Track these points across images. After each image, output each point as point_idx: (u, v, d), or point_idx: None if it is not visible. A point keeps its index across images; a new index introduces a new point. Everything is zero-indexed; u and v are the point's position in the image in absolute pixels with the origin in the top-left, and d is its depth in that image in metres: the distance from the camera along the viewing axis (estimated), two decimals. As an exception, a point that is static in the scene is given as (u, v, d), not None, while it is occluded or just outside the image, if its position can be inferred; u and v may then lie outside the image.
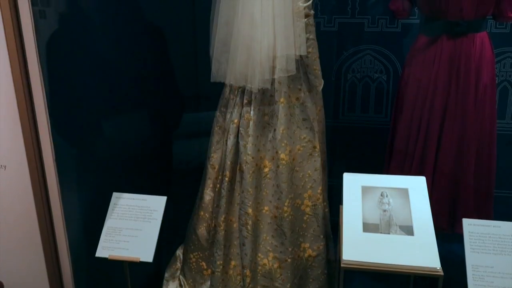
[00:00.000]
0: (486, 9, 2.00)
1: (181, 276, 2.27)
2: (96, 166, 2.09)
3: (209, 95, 2.22)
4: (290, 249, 2.02)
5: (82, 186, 2.03)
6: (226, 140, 2.03)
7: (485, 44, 2.03)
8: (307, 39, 1.89)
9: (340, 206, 1.84)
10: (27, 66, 1.72)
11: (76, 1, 2.11)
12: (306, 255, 2.07)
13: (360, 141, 2.72)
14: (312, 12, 1.90)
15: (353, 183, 1.84)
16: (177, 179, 2.75)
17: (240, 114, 1.99)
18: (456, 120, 2.06)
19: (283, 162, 1.96)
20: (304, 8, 1.85)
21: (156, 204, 1.92)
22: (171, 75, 2.57)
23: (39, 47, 1.75)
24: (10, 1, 1.66)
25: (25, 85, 1.71)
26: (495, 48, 2.16)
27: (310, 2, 1.87)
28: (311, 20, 1.90)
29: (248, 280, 2.03)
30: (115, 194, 1.96)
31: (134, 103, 2.34)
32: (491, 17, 2.10)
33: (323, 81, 2.01)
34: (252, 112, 1.96)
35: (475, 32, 2.01)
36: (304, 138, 2.00)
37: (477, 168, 2.12)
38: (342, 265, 1.64)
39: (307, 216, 2.05)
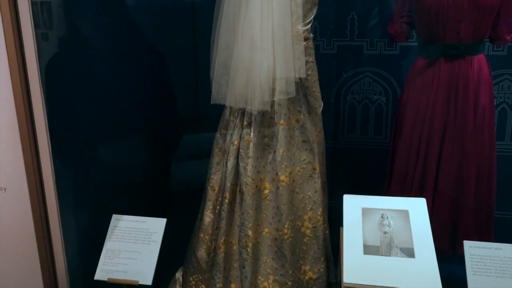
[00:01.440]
0: (483, 32, 2.02)
1: (180, 299, 2.25)
2: (95, 189, 2.09)
3: (209, 116, 2.24)
4: (290, 271, 2.01)
5: (81, 209, 2.03)
6: (226, 162, 2.03)
7: (483, 67, 2.06)
8: (307, 61, 1.91)
9: (341, 228, 1.84)
10: (29, 88, 1.74)
11: (77, 24, 2.14)
12: (306, 277, 2.05)
13: (360, 162, 2.73)
14: (311, 35, 1.92)
15: (353, 205, 1.84)
16: (177, 200, 2.75)
17: (240, 136, 1.99)
18: (455, 142, 2.07)
19: (283, 183, 1.96)
20: (304, 32, 1.88)
21: (156, 226, 1.92)
22: (171, 98, 2.59)
23: (41, 69, 1.77)
24: (13, 23, 1.68)
25: (27, 107, 1.72)
26: (493, 70, 2.18)
27: (309, 25, 1.90)
28: (310, 43, 1.92)
29: (248, 303, 2.01)
30: (114, 216, 1.95)
31: (133, 126, 2.35)
32: (488, 40, 2.13)
33: (322, 103, 2.03)
34: (252, 134, 1.97)
35: (472, 55, 2.03)
36: (304, 159, 2.01)
37: (477, 189, 2.12)
38: (343, 288, 1.63)
39: (307, 238, 2.04)
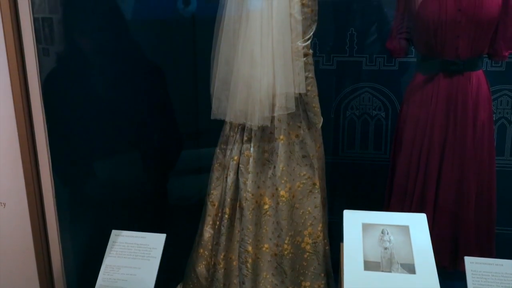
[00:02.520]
0: (481, 48, 2.04)
1: (179, 316, 2.23)
2: (94, 204, 2.09)
3: (209, 131, 2.24)
4: (290, 287, 1.99)
5: (80, 224, 2.02)
6: (226, 177, 2.03)
7: (482, 82, 2.07)
8: (306, 77, 1.93)
9: (341, 243, 1.83)
10: (30, 104, 1.74)
11: (78, 40, 2.15)
12: (306, 294, 2.04)
13: (360, 177, 2.72)
14: (310, 51, 1.94)
15: (353, 220, 1.83)
16: (177, 215, 2.74)
17: (240, 151, 2.00)
18: (455, 157, 2.07)
19: (283, 199, 1.96)
20: (303, 48, 1.89)
21: (155, 242, 1.91)
22: (170, 114, 2.59)
23: (42, 84, 1.77)
24: (15, 38, 1.69)
25: (28, 122, 1.73)
26: (492, 86, 2.20)
27: (309, 41, 1.91)
28: (310, 59, 1.94)
29: (248, 320, 1.99)
30: (114, 232, 1.94)
31: (132, 141, 2.35)
32: (487, 56, 2.14)
33: (322, 119, 2.03)
34: (252, 149, 1.97)
35: (471, 71, 2.04)
36: (304, 175, 2.01)
37: (477, 204, 2.12)
38: (343, 305, 1.61)
39: (307, 254, 2.03)
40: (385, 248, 1.74)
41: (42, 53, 1.81)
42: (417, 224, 1.79)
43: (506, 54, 2.11)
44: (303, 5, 1.85)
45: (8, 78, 1.71)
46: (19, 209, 1.77)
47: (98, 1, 2.26)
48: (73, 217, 2.00)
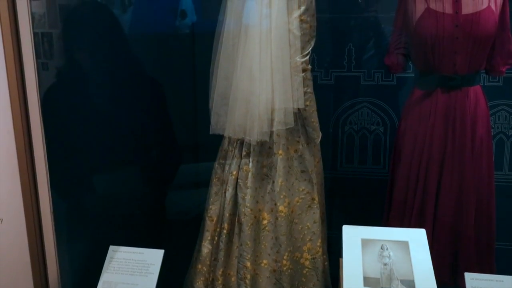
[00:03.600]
0: (478, 64, 2.05)
1: (177, 333, 2.20)
2: (92, 220, 2.08)
3: (208, 146, 2.24)
4: (289, 304, 1.98)
5: (77, 240, 2.01)
6: (225, 192, 2.03)
7: (479, 98, 2.08)
8: (305, 92, 1.93)
9: (340, 259, 1.82)
10: (29, 118, 1.74)
11: (77, 54, 2.16)
12: (306, 310, 2.02)
13: (359, 192, 2.72)
14: (309, 66, 1.95)
15: (352, 236, 1.82)
16: (175, 231, 2.72)
17: (239, 166, 1.99)
18: (453, 173, 2.07)
19: (282, 214, 1.95)
20: (302, 63, 1.90)
21: (153, 257, 1.89)
22: (169, 129, 2.59)
23: (41, 99, 1.77)
24: (15, 52, 1.70)
25: (26, 138, 1.72)
26: (490, 101, 2.20)
27: (308, 57, 1.92)
28: (309, 74, 1.95)
29: (246, 337, 1.97)
30: (111, 247, 1.93)
31: (130, 156, 2.35)
32: (484, 71, 2.16)
33: (321, 133, 2.04)
34: (250, 164, 1.97)
35: (469, 86, 2.05)
36: (303, 190, 2.00)
37: (477, 220, 2.11)
38: (343, 322, 1.60)
39: (306, 269, 2.02)
40: (385, 264, 1.73)
41: (41, 68, 1.82)
42: (416, 240, 1.78)
43: (504, 69, 2.12)
44: (301, 21, 1.87)
45: (7, 93, 1.71)
46: (16, 224, 1.76)
47: (97, 16, 2.27)
48: (71, 232, 1.99)
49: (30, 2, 1.72)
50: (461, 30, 1.98)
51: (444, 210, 2.09)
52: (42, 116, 1.76)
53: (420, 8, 2.04)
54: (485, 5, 1.99)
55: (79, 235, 2.01)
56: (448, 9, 1.99)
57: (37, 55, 1.76)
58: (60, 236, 1.84)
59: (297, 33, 1.86)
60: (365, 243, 1.79)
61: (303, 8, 1.86)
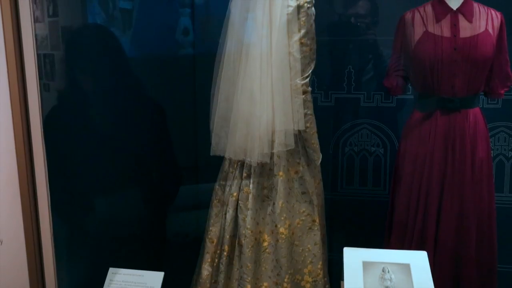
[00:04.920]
0: (477, 86, 2.07)
1: None
2: (92, 242, 2.07)
3: (208, 167, 2.25)
4: (290, 327, 1.95)
5: (77, 262, 1.99)
6: (225, 214, 2.02)
7: (479, 120, 2.09)
8: (305, 114, 1.95)
9: (341, 282, 1.80)
10: (31, 140, 1.75)
11: (78, 76, 2.18)
12: (306, 334, 1.99)
13: (359, 214, 2.71)
14: (309, 89, 1.96)
15: (353, 258, 1.81)
16: (174, 252, 2.70)
17: (239, 188, 1.99)
18: (454, 194, 2.07)
19: (283, 236, 1.95)
20: (302, 85, 1.92)
21: (153, 280, 1.87)
22: (170, 151, 2.60)
23: (43, 120, 1.78)
24: (18, 73, 1.71)
25: (28, 160, 1.73)
26: (489, 123, 2.21)
27: (308, 79, 1.94)
28: (309, 96, 1.96)
29: None
30: (111, 270, 1.91)
31: (131, 178, 2.35)
32: (483, 93, 2.17)
33: (321, 155, 2.04)
34: (251, 186, 1.97)
35: (468, 108, 2.06)
36: (303, 211, 2.00)
37: (478, 242, 2.10)
38: None
39: (307, 292, 2.00)
40: (386, 287, 1.71)
41: (42, 89, 1.83)
42: (418, 262, 1.77)
43: (502, 92, 2.14)
44: (302, 44, 1.89)
45: (10, 114, 1.71)
46: (16, 246, 1.74)
47: (97, 38, 2.30)
48: (70, 255, 1.98)
49: (34, 24, 1.75)
50: (459, 53, 2.00)
51: (445, 232, 2.08)
52: (44, 138, 1.76)
53: (418, 31, 2.07)
54: (482, 29, 2.02)
55: (79, 257, 2.00)
56: (446, 33, 2.02)
57: (39, 76, 1.77)
58: (60, 258, 1.83)
59: (297, 56, 1.89)
60: (367, 265, 1.78)
61: (303, 31, 1.89)
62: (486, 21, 2.04)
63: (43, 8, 2.12)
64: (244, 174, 1.98)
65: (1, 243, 1.76)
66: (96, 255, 2.07)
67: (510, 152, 2.57)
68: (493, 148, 2.54)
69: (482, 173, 2.08)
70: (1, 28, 1.67)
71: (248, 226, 1.95)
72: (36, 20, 1.78)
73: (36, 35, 1.75)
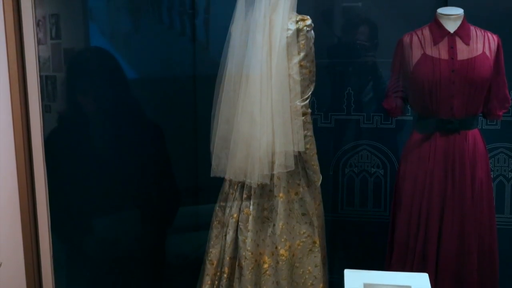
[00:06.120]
0: (475, 108, 2.08)
1: None
2: (92, 263, 2.06)
3: (208, 188, 2.25)
4: None
5: (76, 284, 1.98)
6: (225, 235, 2.01)
7: (478, 141, 2.09)
8: (305, 135, 1.95)
9: (342, 304, 1.79)
10: (32, 162, 1.75)
11: (79, 97, 2.19)
12: None
13: (360, 235, 2.70)
14: (309, 110, 1.98)
15: (354, 280, 1.79)
16: (174, 274, 2.68)
17: (240, 209, 1.99)
18: (454, 215, 2.06)
19: (283, 258, 1.94)
20: (302, 107, 1.93)
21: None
22: (169, 172, 2.60)
23: (44, 141, 1.79)
24: (21, 95, 1.72)
25: (29, 181, 1.73)
26: (488, 144, 2.22)
27: (307, 101, 1.96)
28: (309, 118, 1.97)
29: None
30: (110, 292, 1.90)
31: (131, 199, 2.34)
32: (482, 115, 2.18)
33: (321, 176, 2.05)
34: (251, 207, 1.96)
35: (467, 130, 2.07)
36: (304, 233, 1.99)
37: (480, 264, 2.09)
38: None
39: (308, 315, 1.98)
40: (388, 310, 1.70)
41: (43, 110, 1.84)
42: (419, 284, 1.76)
43: (500, 113, 2.15)
44: (301, 66, 1.91)
45: (12, 134, 1.72)
46: (15, 269, 1.73)
47: (99, 60, 2.32)
48: (70, 276, 1.96)
49: (38, 46, 1.77)
50: (457, 75, 2.02)
51: (446, 254, 2.07)
52: (45, 159, 1.77)
53: (416, 54, 2.09)
54: (479, 51, 2.05)
55: (78, 278, 1.99)
56: (444, 55, 2.05)
57: (41, 97, 1.79)
58: (59, 279, 1.82)
59: (297, 78, 1.90)
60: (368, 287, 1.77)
61: (302, 54, 1.91)
62: (483, 43, 2.07)
63: (45, 31, 2.15)
64: (244, 196, 1.98)
65: (1, 265, 1.75)
66: (95, 277, 2.06)
67: (510, 173, 2.57)
68: (493, 169, 2.54)
69: (482, 194, 2.08)
70: (5, 49, 1.70)
71: (248, 248, 1.94)
72: (39, 42, 1.80)
73: (39, 57, 1.78)
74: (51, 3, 2.18)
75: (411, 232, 2.12)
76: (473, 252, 2.07)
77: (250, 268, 1.94)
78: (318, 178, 2.03)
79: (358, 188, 2.70)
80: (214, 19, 2.72)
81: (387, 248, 2.27)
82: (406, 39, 2.14)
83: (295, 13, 1.95)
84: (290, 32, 1.89)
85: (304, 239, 1.99)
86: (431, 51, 2.06)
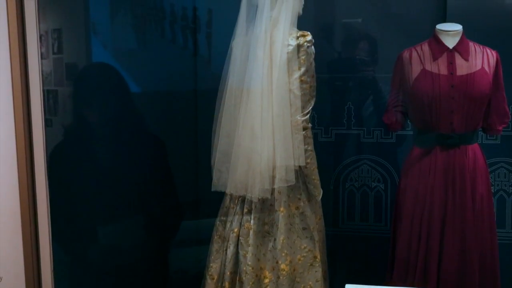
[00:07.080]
0: (475, 122, 2.09)
1: None
2: (93, 277, 2.05)
3: (209, 202, 2.25)
4: None
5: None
6: (226, 250, 2.01)
7: (478, 156, 2.10)
8: (306, 150, 1.96)
9: (343, 320, 1.78)
10: (34, 175, 1.76)
11: (80, 110, 2.20)
12: None
13: (361, 250, 2.69)
14: (309, 125, 1.98)
15: (355, 296, 1.79)
16: (175, 289, 2.67)
17: (240, 223, 1.99)
18: (455, 230, 2.06)
19: (284, 272, 1.93)
20: (302, 122, 1.94)
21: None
22: (171, 185, 2.61)
23: (46, 154, 1.80)
24: (24, 109, 1.73)
25: (31, 195, 1.73)
26: (488, 159, 2.22)
27: (308, 115, 1.97)
28: (309, 132, 1.98)
29: None
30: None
31: (133, 212, 2.34)
32: (481, 129, 2.19)
33: (322, 191, 2.05)
34: (252, 221, 1.96)
35: (467, 144, 2.08)
36: (305, 247, 1.99)
37: (481, 279, 2.08)
38: None
39: (309, 330, 1.96)
40: (389, 325, 1.69)
41: (45, 124, 1.85)
42: (420, 300, 1.75)
43: (500, 128, 2.16)
44: (302, 81, 1.93)
45: (15, 148, 1.73)
46: (16, 284, 1.73)
47: (101, 74, 2.34)
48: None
49: (41, 61, 1.79)
50: (456, 90, 2.03)
51: (448, 268, 2.06)
52: (47, 172, 1.77)
53: (416, 69, 2.11)
54: (478, 67, 2.06)
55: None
56: (443, 71, 2.06)
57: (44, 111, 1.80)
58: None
59: (298, 93, 1.92)
60: (369, 303, 1.76)
61: (303, 69, 1.92)
62: (482, 59, 2.08)
63: (48, 45, 2.17)
64: (245, 210, 1.98)
65: (1, 279, 1.74)
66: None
67: (510, 188, 2.57)
68: (493, 184, 2.54)
69: (483, 209, 2.08)
70: (8, 63, 1.71)
71: (249, 263, 1.94)
72: (41, 56, 1.82)
73: (42, 71, 1.79)
74: (54, 17, 2.20)
75: (412, 246, 2.12)
76: (474, 267, 2.06)
77: (250, 283, 1.93)
78: (318, 193, 2.03)
79: (358, 202, 2.70)
80: (216, 34, 2.75)
81: (388, 263, 2.26)
82: (406, 54, 2.15)
83: (295, 29, 1.97)
84: (290, 47, 1.91)
85: (305, 254, 1.99)
86: (430, 66, 2.08)
